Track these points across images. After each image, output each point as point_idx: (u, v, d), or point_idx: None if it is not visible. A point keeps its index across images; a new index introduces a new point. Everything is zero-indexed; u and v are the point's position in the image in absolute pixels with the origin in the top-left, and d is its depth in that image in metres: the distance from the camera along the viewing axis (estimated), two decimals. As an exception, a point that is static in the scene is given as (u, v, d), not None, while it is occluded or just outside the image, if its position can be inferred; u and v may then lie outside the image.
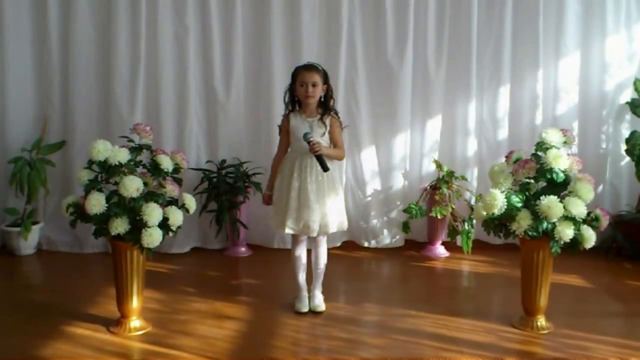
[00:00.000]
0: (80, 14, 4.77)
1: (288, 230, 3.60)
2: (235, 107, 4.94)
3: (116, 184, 3.23)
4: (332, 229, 3.65)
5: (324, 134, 3.61)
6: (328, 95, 3.66)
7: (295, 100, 3.67)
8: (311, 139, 3.49)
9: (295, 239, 3.72)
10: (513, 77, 4.96)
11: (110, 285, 3.54)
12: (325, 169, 3.50)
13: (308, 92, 3.55)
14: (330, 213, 3.61)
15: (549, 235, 3.25)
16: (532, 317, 3.48)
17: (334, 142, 3.66)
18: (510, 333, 3.44)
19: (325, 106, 3.64)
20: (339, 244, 5.01)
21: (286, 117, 3.68)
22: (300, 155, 3.62)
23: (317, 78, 3.57)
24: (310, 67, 3.62)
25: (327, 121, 3.62)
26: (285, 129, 3.69)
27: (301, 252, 3.76)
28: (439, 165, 4.85)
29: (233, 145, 4.97)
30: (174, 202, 3.36)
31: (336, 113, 3.71)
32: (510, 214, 3.29)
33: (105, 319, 3.54)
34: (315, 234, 3.60)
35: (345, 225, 3.74)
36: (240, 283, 4.46)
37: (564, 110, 4.99)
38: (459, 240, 4.78)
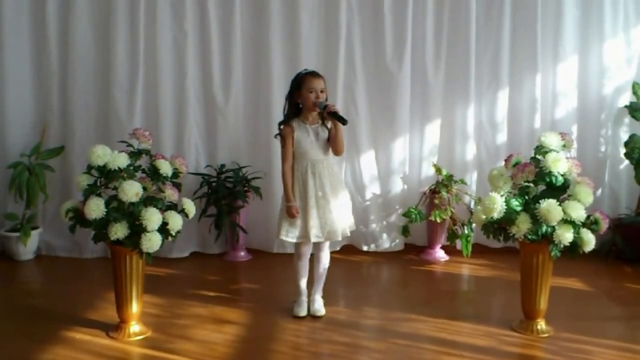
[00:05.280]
0: (79, 19, 4.78)
1: (315, 239, 3.60)
2: (234, 112, 4.94)
3: (115, 188, 3.23)
4: (352, 228, 3.75)
5: (328, 139, 3.62)
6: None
7: (297, 108, 3.64)
8: (326, 103, 3.52)
9: (300, 246, 3.69)
10: (512, 81, 4.97)
11: (109, 290, 3.53)
12: (344, 121, 3.52)
13: (319, 99, 3.54)
14: (347, 215, 3.72)
15: (548, 238, 3.25)
16: (532, 320, 3.48)
17: None
18: (511, 337, 3.44)
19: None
20: (338, 248, 5.00)
21: (289, 126, 3.61)
22: (311, 163, 3.60)
23: (324, 85, 3.60)
24: (317, 74, 3.62)
25: (329, 124, 3.62)
26: (290, 138, 3.59)
27: (305, 257, 3.74)
28: (438, 169, 4.85)
29: (232, 149, 4.97)
30: (173, 206, 3.36)
31: None
32: (509, 217, 3.29)
33: (104, 324, 3.54)
34: (340, 237, 3.68)
35: (354, 226, 3.82)
36: (239, 288, 4.46)
37: (563, 114, 5.00)
38: (458, 244, 4.78)
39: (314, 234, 3.58)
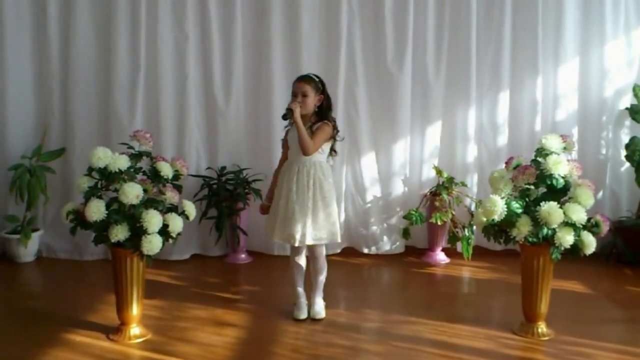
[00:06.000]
0: (80, 21, 4.79)
1: (275, 238, 3.68)
2: (235, 114, 4.95)
3: (116, 190, 3.23)
4: (321, 240, 3.62)
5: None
6: (324, 105, 3.64)
7: None
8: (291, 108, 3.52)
9: (294, 246, 3.71)
10: (512, 83, 4.97)
11: (110, 292, 3.53)
12: (283, 116, 3.54)
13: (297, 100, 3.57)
14: (317, 224, 3.58)
15: (549, 241, 3.25)
16: (532, 323, 3.47)
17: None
18: (511, 339, 3.44)
19: (320, 115, 3.64)
20: (339, 251, 5.01)
21: (287, 131, 3.72)
22: (290, 166, 3.64)
23: (307, 88, 3.58)
24: (301, 78, 3.66)
25: (315, 127, 3.60)
26: (285, 141, 3.73)
27: (300, 260, 3.76)
28: (438, 172, 4.85)
29: (233, 151, 4.97)
30: (173, 208, 3.36)
31: (334, 123, 3.66)
32: (510, 220, 3.28)
33: (105, 327, 3.54)
34: (297, 243, 3.57)
35: (336, 237, 3.67)
36: (240, 290, 4.45)
37: (564, 116, 5.00)
38: (459, 246, 4.77)
39: (277, 234, 3.64)
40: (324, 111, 3.65)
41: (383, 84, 4.94)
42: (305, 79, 3.63)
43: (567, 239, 3.21)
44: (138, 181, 3.30)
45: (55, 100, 4.89)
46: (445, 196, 4.71)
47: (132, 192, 3.18)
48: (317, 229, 3.59)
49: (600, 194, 4.97)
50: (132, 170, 3.31)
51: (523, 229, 3.26)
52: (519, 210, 3.30)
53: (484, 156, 5.05)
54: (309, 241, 3.58)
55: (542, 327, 3.47)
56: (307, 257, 3.78)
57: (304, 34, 4.86)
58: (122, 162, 3.26)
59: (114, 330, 3.44)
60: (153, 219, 3.17)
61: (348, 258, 4.97)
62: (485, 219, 3.34)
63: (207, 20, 4.84)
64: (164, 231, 3.24)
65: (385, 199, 5.06)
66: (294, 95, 3.59)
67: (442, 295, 4.36)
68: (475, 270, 4.73)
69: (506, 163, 3.55)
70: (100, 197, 3.25)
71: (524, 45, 4.92)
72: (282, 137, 3.80)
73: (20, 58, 4.87)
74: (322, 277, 3.76)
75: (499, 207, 3.26)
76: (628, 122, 5.01)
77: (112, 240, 3.18)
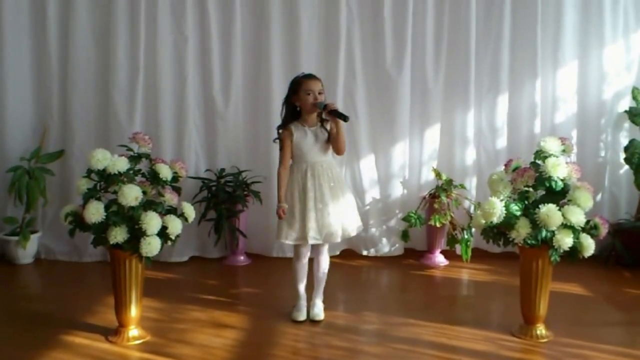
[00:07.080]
0: (79, 23, 4.79)
1: (312, 242, 3.60)
2: (234, 116, 4.95)
3: (115, 192, 3.23)
4: (353, 232, 3.74)
5: (328, 140, 3.63)
6: None
7: (295, 111, 3.66)
8: (326, 102, 3.55)
9: (298, 248, 3.70)
10: (511, 86, 4.97)
11: (108, 294, 3.53)
12: (345, 117, 3.52)
13: (317, 99, 3.56)
14: (348, 217, 3.68)
15: (548, 243, 3.25)
16: (531, 325, 3.47)
17: None
18: (510, 342, 3.44)
19: (322, 115, 3.66)
20: (338, 253, 5.00)
21: (288, 130, 3.64)
22: (310, 165, 3.61)
23: (321, 87, 3.61)
24: (314, 77, 3.65)
25: (328, 126, 3.63)
26: (289, 140, 3.62)
27: (304, 261, 3.75)
28: (437, 174, 4.85)
29: (232, 153, 4.98)
30: (172, 210, 3.36)
31: None
32: (509, 222, 3.28)
33: (103, 328, 3.54)
34: (339, 240, 3.68)
35: (361, 226, 3.83)
36: (239, 292, 4.45)
37: (563, 119, 5.00)
38: (458, 248, 4.78)
39: (312, 236, 3.58)
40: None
41: (382, 86, 4.94)
42: (317, 77, 3.65)
43: (566, 241, 3.21)
44: (137, 183, 3.30)
45: (54, 102, 4.89)
46: (444, 198, 4.71)
47: (131, 194, 3.18)
48: (349, 221, 3.69)
49: (599, 196, 4.97)
50: (131, 172, 3.31)
51: (522, 231, 3.26)
52: (518, 213, 3.30)
53: (482, 158, 5.05)
54: (346, 235, 3.70)
55: (541, 329, 3.47)
56: (310, 258, 3.78)
57: (303, 37, 4.86)
58: (121, 164, 3.26)
59: (113, 332, 3.44)
60: (152, 221, 3.17)
61: (347, 260, 4.97)
62: (484, 221, 3.34)
63: (206, 23, 4.84)
64: (162, 233, 3.24)
65: (384, 201, 5.06)
66: (310, 93, 3.55)
67: (441, 297, 4.36)
68: (474, 272, 4.73)
69: (505, 165, 3.55)
70: (99, 199, 3.25)
71: (523, 48, 4.92)
72: (277, 137, 3.68)
73: (19, 59, 4.87)
74: (325, 276, 3.76)
75: (497, 209, 3.26)
76: (627, 124, 5.01)
77: (111, 242, 3.18)
